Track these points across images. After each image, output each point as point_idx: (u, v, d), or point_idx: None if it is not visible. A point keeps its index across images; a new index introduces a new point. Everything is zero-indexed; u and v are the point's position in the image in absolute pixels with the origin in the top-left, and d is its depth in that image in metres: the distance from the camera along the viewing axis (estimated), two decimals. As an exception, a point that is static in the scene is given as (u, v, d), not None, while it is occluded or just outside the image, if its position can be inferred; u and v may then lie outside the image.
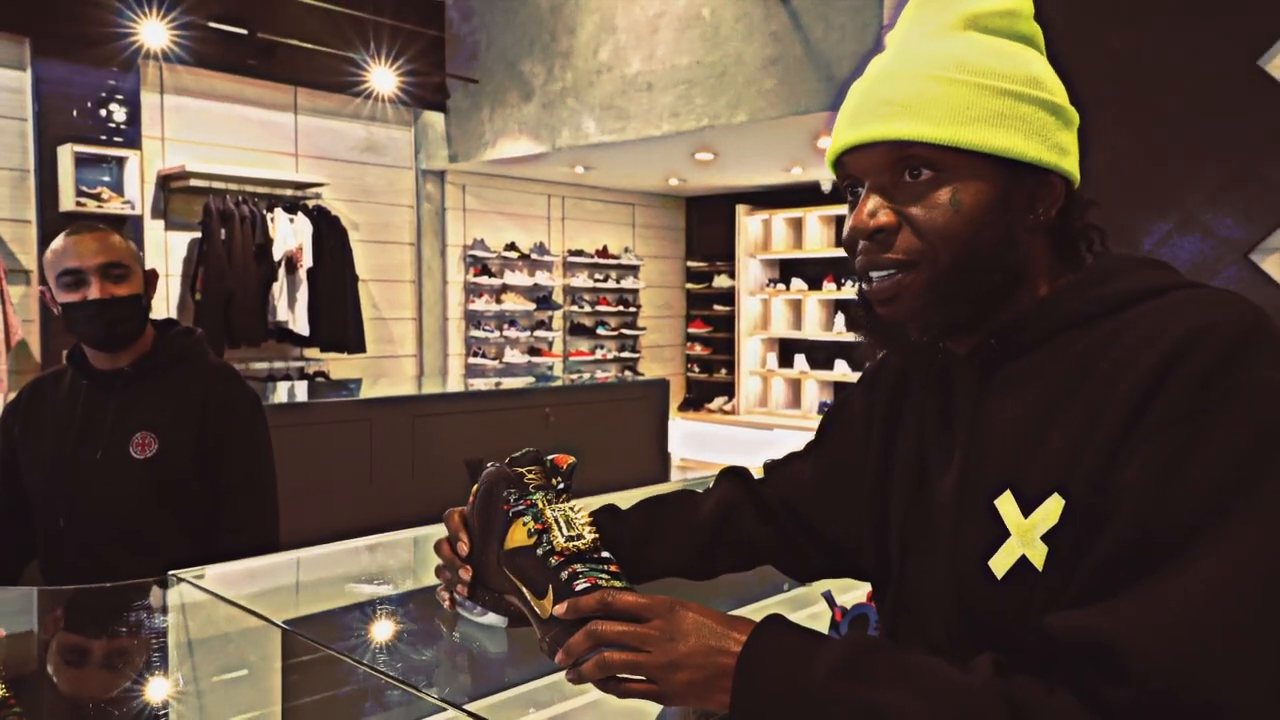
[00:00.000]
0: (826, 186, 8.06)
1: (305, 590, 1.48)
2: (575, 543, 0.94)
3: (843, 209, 7.89)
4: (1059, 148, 0.79)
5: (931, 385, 0.90)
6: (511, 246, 7.94)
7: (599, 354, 8.76)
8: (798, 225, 8.46)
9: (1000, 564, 0.75)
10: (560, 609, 0.84)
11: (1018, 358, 0.79)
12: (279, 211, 6.09)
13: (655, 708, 1.10)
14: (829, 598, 1.53)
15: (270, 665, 1.30)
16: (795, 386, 8.64)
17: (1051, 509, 0.72)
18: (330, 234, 6.33)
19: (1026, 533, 0.73)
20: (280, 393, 4.29)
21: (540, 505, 0.98)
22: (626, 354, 9.04)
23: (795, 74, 5.03)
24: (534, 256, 8.11)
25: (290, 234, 6.08)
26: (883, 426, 0.96)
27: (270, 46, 5.90)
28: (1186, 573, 0.63)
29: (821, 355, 8.46)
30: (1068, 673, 0.66)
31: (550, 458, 1.05)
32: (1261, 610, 0.62)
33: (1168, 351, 0.67)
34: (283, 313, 6.04)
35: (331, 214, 6.41)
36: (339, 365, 6.71)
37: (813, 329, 8.39)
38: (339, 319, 6.33)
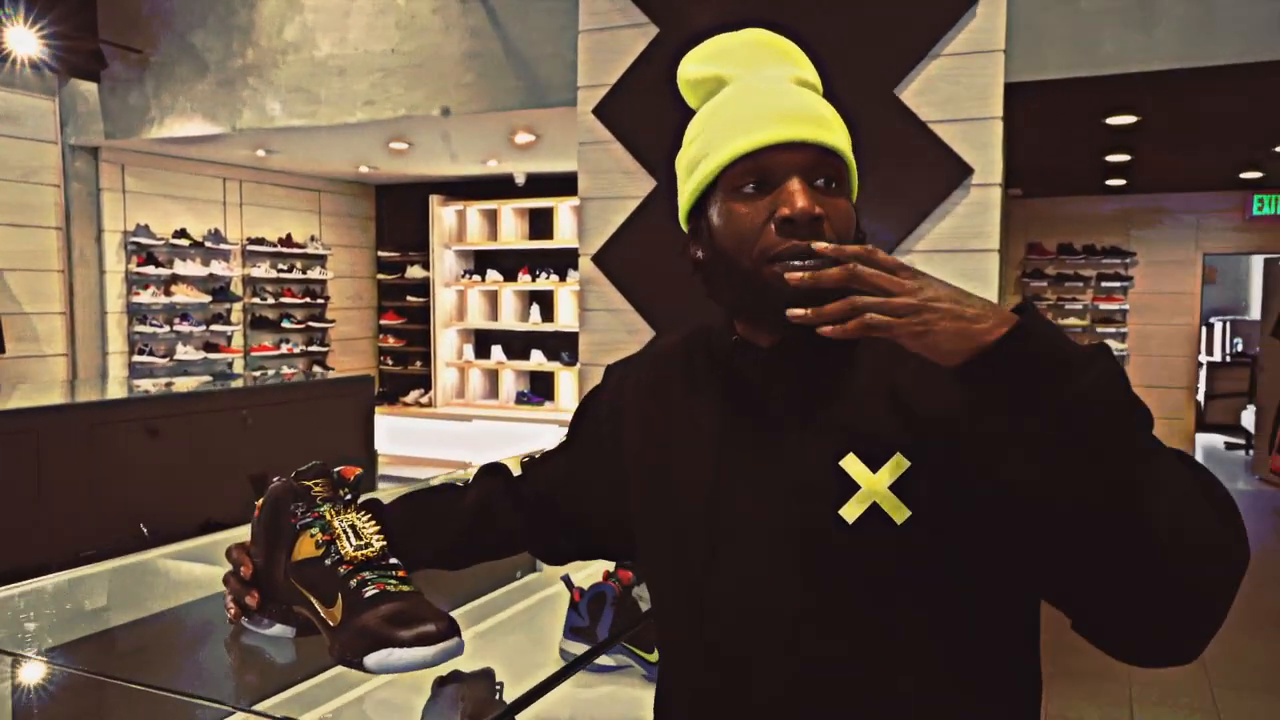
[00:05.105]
0: (520, 180, 8.20)
1: (40, 625, 1.33)
2: (364, 551, 0.97)
3: (536, 202, 8.04)
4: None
5: (722, 378, 0.99)
6: (182, 234, 7.26)
7: (285, 348, 8.27)
8: (493, 217, 8.52)
9: (851, 512, 0.88)
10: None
11: (826, 350, 0.91)
12: (-116, 188, 5.13)
13: (419, 701, 1.15)
14: (568, 581, 1.64)
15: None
16: (493, 377, 8.71)
17: (895, 466, 0.88)
18: (-45, 216, 5.44)
19: (876, 485, 0.88)
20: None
21: (328, 516, 1.00)
22: (315, 348, 8.62)
23: (495, 70, 5.08)
24: (209, 245, 7.49)
25: (-99, 215, 5.14)
26: (641, 423, 1.05)
27: None
28: None
29: (518, 345, 8.60)
30: None
31: (338, 469, 1.07)
32: None
33: None
34: (-107, 308, 5.11)
35: (-45, 192, 5.51)
36: (-31, 368, 5.78)
37: (509, 320, 8.50)
38: (-31, 315, 5.47)
